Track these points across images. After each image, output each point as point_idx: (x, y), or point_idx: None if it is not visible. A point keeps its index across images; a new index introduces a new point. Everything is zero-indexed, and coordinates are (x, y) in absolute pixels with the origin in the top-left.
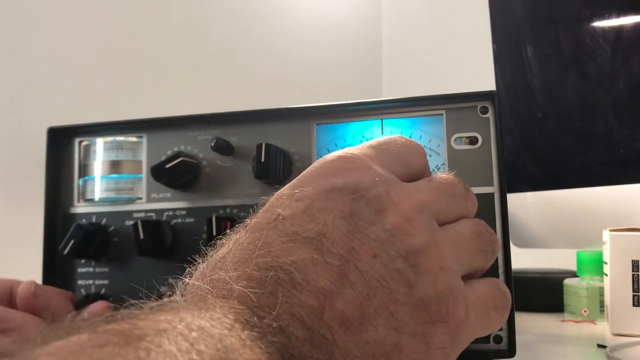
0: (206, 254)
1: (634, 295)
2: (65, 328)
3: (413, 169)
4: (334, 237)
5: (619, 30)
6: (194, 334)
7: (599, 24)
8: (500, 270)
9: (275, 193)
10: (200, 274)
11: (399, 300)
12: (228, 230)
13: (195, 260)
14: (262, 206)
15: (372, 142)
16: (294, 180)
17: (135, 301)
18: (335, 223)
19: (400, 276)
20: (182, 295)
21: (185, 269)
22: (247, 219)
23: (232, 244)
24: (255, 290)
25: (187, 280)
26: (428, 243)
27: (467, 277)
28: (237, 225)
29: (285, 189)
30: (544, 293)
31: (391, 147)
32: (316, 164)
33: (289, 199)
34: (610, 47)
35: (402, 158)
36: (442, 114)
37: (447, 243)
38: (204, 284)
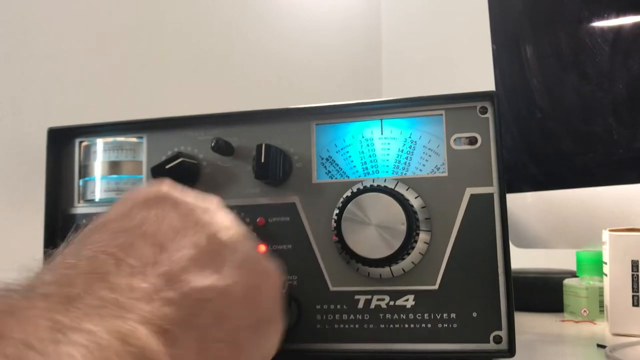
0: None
1: (633, 295)
2: None
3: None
4: (155, 224)
5: (618, 30)
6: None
7: (599, 24)
8: (500, 270)
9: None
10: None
11: (223, 258)
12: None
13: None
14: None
15: None
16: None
17: None
18: (155, 214)
19: (222, 242)
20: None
21: None
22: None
23: (71, 241)
24: (73, 278)
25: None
26: (233, 220)
27: None
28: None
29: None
30: (543, 293)
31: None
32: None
33: (108, 211)
34: (609, 47)
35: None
36: (441, 114)
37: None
38: (49, 276)
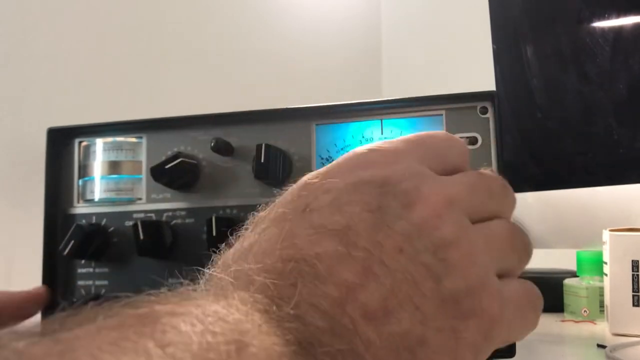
0: (231, 243)
1: (633, 295)
2: (83, 313)
3: (451, 164)
4: (360, 230)
5: (618, 30)
6: (209, 318)
7: (599, 24)
8: None
9: (301, 180)
10: (223, 264)
11: (425, 294)
12: (253, 216)
13: (218, 251)
14: (286, 194)
15: (410, 136)
16: (323, 170)
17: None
18: (361, 216)
19: (427, 270)
20: (204, 285)
21: (182, 269)
22: (268, 207)
23: (257, 234)
24: (276, 282)
25: (209, 271)
26: (458, 237)
27: (500, 277)
28: (257, 212)
29: (313, 178)
30: (543, 293)
31: (427, 141)
32: (347, 155)
33: (317, 190)
34: (610, 47)
35: (437, 152)
36: (441, 114)
37: (478, 239)
38: (226, 275)
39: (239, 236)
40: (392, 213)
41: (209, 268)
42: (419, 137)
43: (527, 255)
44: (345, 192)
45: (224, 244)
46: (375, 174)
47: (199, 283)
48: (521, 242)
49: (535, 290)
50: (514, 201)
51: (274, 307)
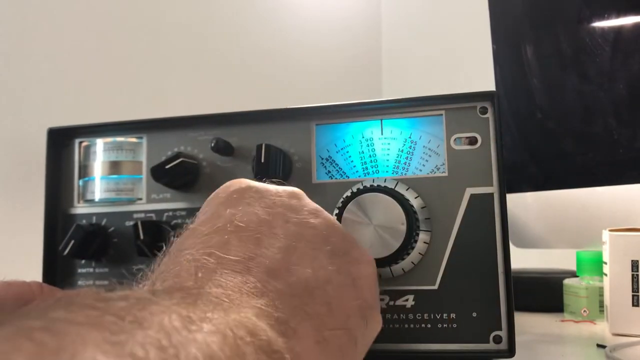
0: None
1: (633, 295)
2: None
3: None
4: (244, 218)
5: (618, 30)
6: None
7: (599, 24)
8: (500, 270)
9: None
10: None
11: (319, 247)
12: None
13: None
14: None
15: None
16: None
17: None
18: (243, 210)
19: (314, 230)
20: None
21: None
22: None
23: (165, 258)
24: (184, 279)
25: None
26: (318, 207)
27: None
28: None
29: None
30: (543, 293)
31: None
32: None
33: (203, 210)
34: (610, 47)
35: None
36: (441, 114)
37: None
38: (145, 282)
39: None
40: (266, 198)
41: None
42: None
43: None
44: (221, 203)
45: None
46: (235, 188)
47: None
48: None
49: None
50: None
51: (188, 298)
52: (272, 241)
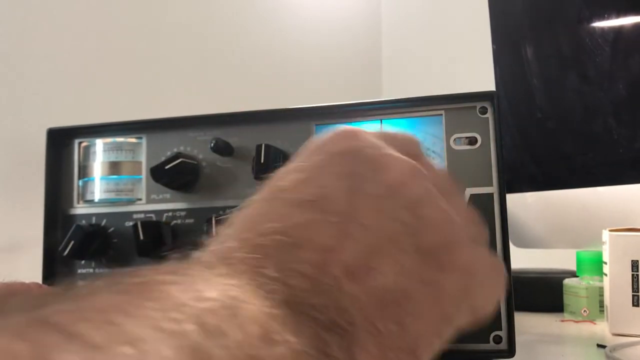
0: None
1: (633, 295)
2: (86, 285)
3: (407, 151)
4: (335, 197)
5: (618, 30)
6: (199, 285)
7: (599, 24)
8: None
9: (275, 172)
10: (209, 246)
11: (406, 250)
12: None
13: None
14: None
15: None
16: (294, 159)
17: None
18: (334, 184)
19: (405, 226)
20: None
21: None
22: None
23: (238, 219)
24: (256, 255)
25: (195, 254)
26: (430, 197)
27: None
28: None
29: (287, 165)
30: (543, 293)
31: (385, 131)
32: (313, 139)
33: (288, 172)
34: (610, 47)
35: (395, 137)
36: (441, 114)
37: (447, 204)
38: (209, 256)
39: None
40: (364, 177)
41: (195, 253)
42: (382, 131)
43: (484, 234)
44: (315, 167)
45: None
46: (342, 146)
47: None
48: (479, 220)
49: (498, 259)
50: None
51: (257, 277)
52: (356, 233)
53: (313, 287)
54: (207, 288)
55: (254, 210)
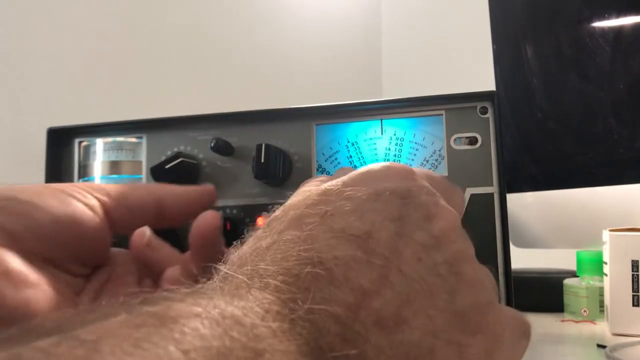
0: (245, 241)
1: (633, 295)
2: (102, 309)
3: (450, 201)
4: (380, 237)
5: (619, 30)
6: (227, 320)
7: (599, 24)
8: (500, 270)
9: (320, 187)
10: (239, 262)
11: (438, 306)
12: (265, 214)
13: (233, 247)
14: (302, 197)
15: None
16: (342, 179)
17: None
18: (383, 224)
19: (443, 282)
20: (219, 282)
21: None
22: (281, 208)
23: (276, 235)
24: (291, 285)
25: (224, 268)
26: (469, 253)
27: None
28: (272, 212)
29: (332, 185)
30: (544, 293)
31: (433, 175)
32: (363, 169)
33: (338, 196)
34: (610, 47)
35: (441, 186)
36: (441, 114)
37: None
38: (241, 274)
39: (253, 235)
40: (413, 223)
41: (223, 265)
42: (425, 170)
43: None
44: (367, 200)
45: (238, 240)
46: (398, 185)
47: (213, 280)
48: (492, 276)
49: (525, 318)
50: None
51: (287, 311)
52: (395, 280)
53: (341, 332)
54: (232, 325)
55: (294, 231)
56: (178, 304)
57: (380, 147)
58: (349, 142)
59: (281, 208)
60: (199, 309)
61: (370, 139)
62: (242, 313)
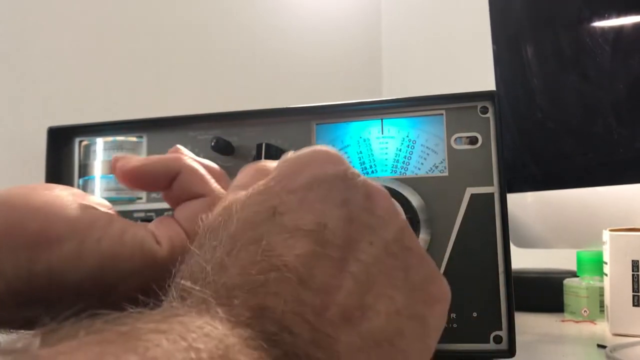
0: (194, 252)
1: (633, 295)
2: (62, 330)
3: None
4: (334, 227)
5: (619, 30)
6: (192, 334)
7: (599, 24)
8: (500, 270)
9: (256, 186)
10: (199, 275)
11: (397, 284)
12: (202, 221)
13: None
14: (242, 198)
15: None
16: (275, 173)
17: (132, 307)
18: (332, 213)
19: (397, 261)
20: (181, 299)
21: None
22: (220, 212)
23: (232, 241)
24: (257, 296)
25: (185, 283)
26: (409, 227)
27: None
28: (207, 216)
29: (269, 182)
30: (544, 293)
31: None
32: (288, 157)
33: (280, 191)
34: (610, 47)
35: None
36: (442, 114)
37: None
38: (205, 288)
39: (199, 243)
40: (357, 205)
41: (183, 280)
42: None
43: None
44: (310, 189)
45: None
46: (336, 168)
47: (174, 297)
48: None
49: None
50: None
51: (258, 321)
52: (354, 269)
53: (312, 338)
54: (198, 337)
55: (248, 236)
56: (141, 323)
57: (381, 146)
58: (349, 141)
59: (219, 211)
60: (165, 326)
61: (371, 138)
62: (210, 327)
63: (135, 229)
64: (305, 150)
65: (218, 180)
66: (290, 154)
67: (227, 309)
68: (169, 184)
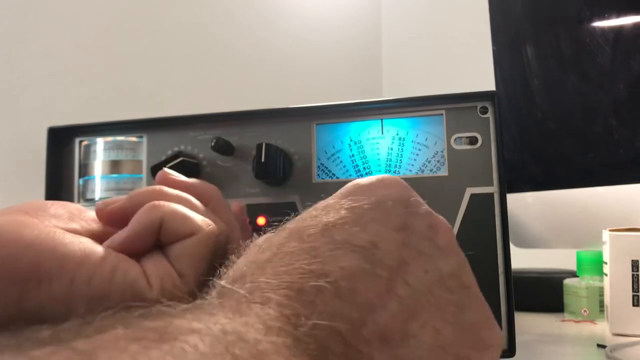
0: (241, 253)
1: (633, 295)
2: (98, 321)
3: None
4: (386, 248)
5: (619, 30)
6: (228, 337)
7: (599, 24)
8: (500, 270)
9: (318, 203)
10: (240, 275)
11: (447, 319)
12: (265, 230)
13: (229, 260)
14: (303, 213)
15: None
16: (337, 193)
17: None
18: (388, 234)
19: (451, 294)
20: (218, 297)
21: None
22: (286, 223)
23: (275, 248)
24: (294, 301)
25: (223, 282)
26: (469, 267)
27: None
28: (273, 228)
29: (330, 200)
30: (544, 293)
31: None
32: (357, 181)
33: (339, 208)
34: (610, 47)
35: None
36: (442, 114)
37: None
38: (242, 288)
39: (249, 249)
40: (418, 233)
41: (221, 280)
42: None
43: None
44: (369, 210)
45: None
46: (400, 193)
47: (211, 295)
48: None
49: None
50: None
51: (290, 327)
52: (401, 293)
53: (344, 353)
54: (234, 341)
55: (295, 244)
56: (177, 320)
57: (381, 146)
58: (350, 141)
59: (280, 228)
60: (199, 325)
61: (371, 138)
62: (244, 329)
63: (127, 267)
64: (372, 177)
65: (209, 201)
66: (359, 179)
67: (260, 310)
68: (156, 236)
